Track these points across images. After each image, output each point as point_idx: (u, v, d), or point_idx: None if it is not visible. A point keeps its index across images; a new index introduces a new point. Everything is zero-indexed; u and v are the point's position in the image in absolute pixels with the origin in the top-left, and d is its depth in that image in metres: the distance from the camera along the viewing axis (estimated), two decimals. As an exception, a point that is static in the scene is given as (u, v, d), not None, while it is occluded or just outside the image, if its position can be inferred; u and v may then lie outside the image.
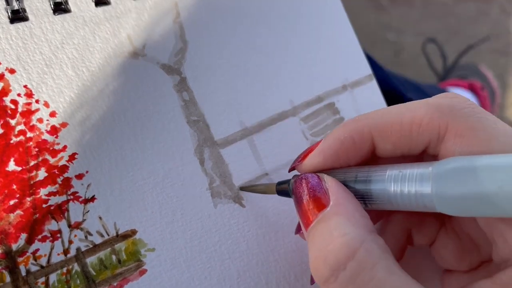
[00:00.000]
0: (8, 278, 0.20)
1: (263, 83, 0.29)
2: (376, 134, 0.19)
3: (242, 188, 0.26)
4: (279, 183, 0.22)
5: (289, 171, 0.22)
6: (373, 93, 0.32)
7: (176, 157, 0.25)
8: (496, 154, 0.16)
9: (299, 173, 0.21)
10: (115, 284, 0.22)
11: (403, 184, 0.17)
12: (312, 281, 0.22)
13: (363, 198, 0.18)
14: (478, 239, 0.20)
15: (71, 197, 0.22)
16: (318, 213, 0.17)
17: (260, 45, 0.29)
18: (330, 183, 0.18)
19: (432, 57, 0.89)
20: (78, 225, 0.22)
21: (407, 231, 0.23)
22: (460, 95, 0.19)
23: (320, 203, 0.18)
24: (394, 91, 0.42)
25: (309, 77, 0.30)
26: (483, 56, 0.95)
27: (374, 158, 0.20)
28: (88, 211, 0.22)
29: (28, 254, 0.21)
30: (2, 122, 0.22)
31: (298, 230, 0.23)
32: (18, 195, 0.21)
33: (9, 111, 0.22)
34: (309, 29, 0.31)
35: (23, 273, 0.21)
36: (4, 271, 0.21)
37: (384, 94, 0.33)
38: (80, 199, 0.22)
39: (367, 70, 0.32)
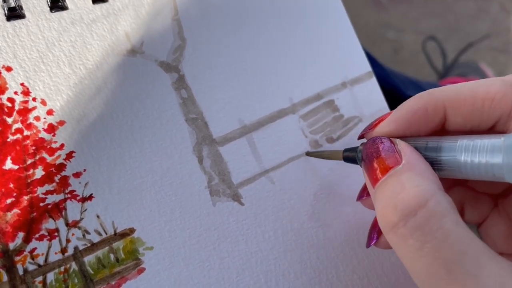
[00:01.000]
0: (5, 277, 0.20)
1: (262, 81, 0.28)
2: (449, 106, 0.19)
3: (309, 154, 0.27)
4: (346, 150, 0.23)
5: (358, 138, 0.22)
6: (372, 90, 0.32)
7: (175, 155, 0.25)
8: None
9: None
10: (113, 283, 0.22)
11: (473, 153, 0.17)
12: (368, 244, 0.23)
13: (432, 165, 0.19)
14: None
15: (69, 195, 0.22)
16: (390, 170, 0.18)
17: (259, 42, 0.29)
18: (403, 146, 0.19)
19: (432, 55, 0.88)
20: (75, 224, 0.22)
21: (461, 205, 0.24)
22: None
23: (392, 161, 0.18)
24: (394, 89, 0.41)
25: (309, 75, 0.30)
26: (483, 54, 0.95)
27: (443, 132, 0.21)
28: (86, 209, 0.22)
29: (25, 253, 0.21)
30: (-2, 120, 0.22)
31: (361, 196, 0.23)
32: (15, 194, 0.21)
33: (5, 109, 0.22)
34: (308, 27, 0.31)
35: (21, 272, 0.21)
36: (1, 270, 0.20)
37: (384, 92, 0.32)
38: (78, 198, 0.22)
39: (366, 67, 0.32)
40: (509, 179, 0.17)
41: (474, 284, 0.15)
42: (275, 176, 0.27)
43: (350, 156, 0.22)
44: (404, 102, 0.20)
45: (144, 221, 0.23)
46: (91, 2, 0.25)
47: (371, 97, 0.32)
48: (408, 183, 0.17)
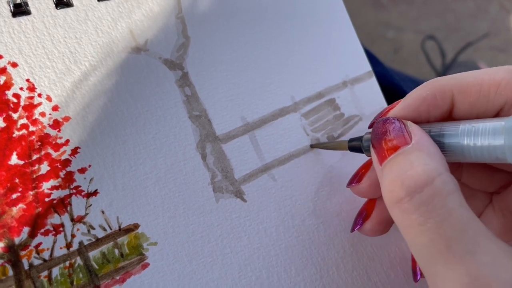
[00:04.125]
0: (10, 272, 0.21)
1: (264, 79, 0.29)
2: (457, 93, 0.20)
3: (314, 146, 0.27)
4: (351, 140, 0.23)
5: (369, 127, 0.23)
6: (372, 89, 0.32)
7: (178, 152, 0.25)
8: None
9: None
10: (117, 277, 0.22)
11: (476, 137, 0.18)
12: (353, 229, 0.24)
13: None
14: None
15: (74, 191, 0.22)
16: (398, 149, 0.18)
17: (261, 41, 0.29)
18: (413, 127, 0.19)
19: (431, 54, 0.89)
20: (80, 219, 0.22)
21: None
22: None
23: (402, 141, 0.19)
24: (395, 87, 0.42)
25: (310, 74, 0.30)
26: (482, 53, 0.95)
27: (451, 119, 0.21)
28: (91, 205, 0.22)
29: (30, 247, 0.21)
30: (4, 115, 0.22)
31: (351, 182, 0.24)
32: (20, 189, 0.22)
33: (11, 105, 0.22)
34: (310, 27, 0.31)
35: (26, 266, 0.21)
36: (6, 264, 0.21)
37: (384, 89, 0.33)
38: (83, 193, 0.22)
39: (366, 67, 0.33)
40: (511, 159, 0.17)
41: (471, 259, 0.16)
42: (277, 173, 0.27)
43: (355, 146, 0.23)
44: (412, 91, 0.21)
45: (148, 217, 0.23)
46: (96, -1, 0.25)
47: (371, 96, 0.32)
48: (417, 161, 0.17)
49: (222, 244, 0.24)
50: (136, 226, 0.23)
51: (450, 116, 0.21)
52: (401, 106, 0.21)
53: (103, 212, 0.23)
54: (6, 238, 0.21)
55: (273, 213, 0.26)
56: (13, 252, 0.21)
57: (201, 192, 0.25)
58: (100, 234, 0.22)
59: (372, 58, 0.40)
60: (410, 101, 0.21)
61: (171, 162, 0.25)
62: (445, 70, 0.84)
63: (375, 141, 0.20)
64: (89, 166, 0.23)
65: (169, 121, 0.25)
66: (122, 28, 0.25)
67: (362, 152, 0.23)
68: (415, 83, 0.53)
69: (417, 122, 0.21)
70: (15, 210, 0.21)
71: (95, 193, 0.23)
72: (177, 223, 0.24)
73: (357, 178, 0.24)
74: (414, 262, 0.24)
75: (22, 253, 0.21)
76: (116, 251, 0.22)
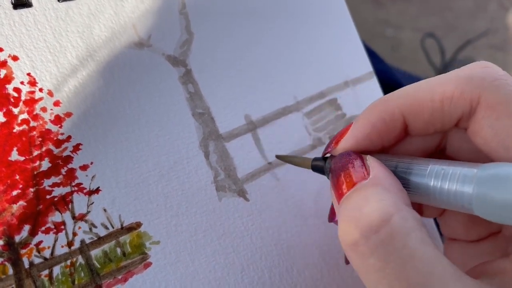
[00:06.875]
0: (10, 271, 0.20)
1: (267, 78, 0.28)
2: (407, 114, 0.18)
3: (279, 157, 0.25)
4: (315, 159, 0.22)
5: (323, 154, 0.21)
6: (373, 89, 0.32)
7: (182, 150, 0.25)
8: None
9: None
10: (119, 277, 0.22)
11: (444, 181, 0.17)
12: (347, 261, 0.21)
13: None
14: None
15: (76, 188, 0.22)
16: (355, 184, 0.17)
17: (265, 40, 0.29)
18: (371, 161, 0.18)
19: (430, 52, 0.89)
20: (82, 217, 0.22)
21: (417, 204, 0.23)
22: (492, 64, 0.18)
23: (359, 176, 0.17)
24: (396, 84, 0.42)
25: (312, 74, 0.30)
26: (481, 51, 0.95)
27: (407, 137, 0.20)
28: (93, 203, 0.22)
29: (31, 246, 0.21)
30: (4, 110, 0.22)
31: (333, 217, 0.22)
32: (21, 186, 0.21)
33: (12, 99, 0.22)
34: (313, 27, 0.31)
35: (26, 265, 0.20)
36: (6, 263, 0.20)
37: (386, 86, 0.33)
38: (85, 191, 0.22)
39: (367, 67, 0.32)
40: (478, 212, 0.16)
41: None
42: (279, 172, 0.27)
43: (318, 166, 0.21)
44: (362, 114, 0.20)
45: (150, 215, 0.23)
46: (99, -8, 0.25)
47: (372, 96, 0.32)
48: (372, 197, 0.16)
49: (225, 244, 0.24)
50: (138, 224, 0.23)
51: (406, 134, 0.20)
52: (351, 134, 0.19)
53: (105, 210, 0.22)
54: (6, 236, 0.21)
55: (276, 212, 0.26)
56: (13, 250, 0.20)
57: (204, 190, 0.24)
58: (102, 232, 0.22)
59: (373, 56, 0.40)
60: (359, 128, 0.19)
61: (174, 159, 0.24)
62: (445, 68, 0.84)
63: (333, 177, 0.18)
64: (91, 163, 0.23)
65: (172, 118, 0.25)
66: (125, 22, 0.25)
67: (325, 174, 0.21)
68: (417, 80, 0.53)
69: (370, 150, 0.19)
70: (15, 207, 0.21)
71: (97, 190, 0.22)
72: (180, 222, 0.23)
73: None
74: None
75: (23, 251, 0.21)
76: (118, 250, 0.22)
